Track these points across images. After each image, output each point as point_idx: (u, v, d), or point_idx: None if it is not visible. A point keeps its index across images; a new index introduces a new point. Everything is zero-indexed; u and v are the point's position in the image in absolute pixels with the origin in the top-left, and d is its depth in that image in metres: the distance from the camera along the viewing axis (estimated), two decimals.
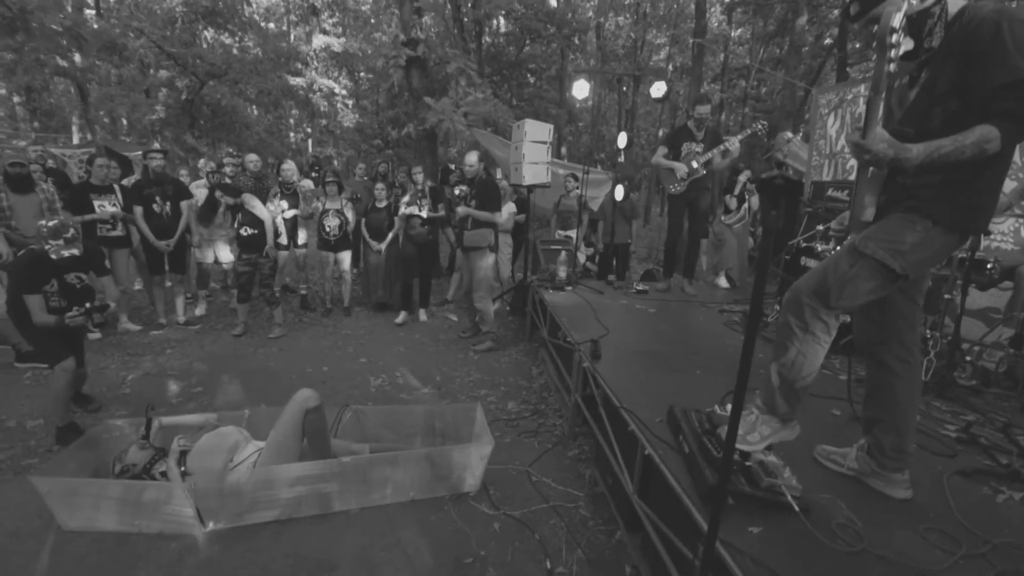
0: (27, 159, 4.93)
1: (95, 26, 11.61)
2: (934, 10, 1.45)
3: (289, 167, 5.82)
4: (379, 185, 5.85)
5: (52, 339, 3.01)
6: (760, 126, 4.50)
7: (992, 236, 3.43)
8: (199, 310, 5.54)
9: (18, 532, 2.27)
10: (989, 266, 2.80)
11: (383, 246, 5.77)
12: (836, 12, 13.50)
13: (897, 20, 1.26)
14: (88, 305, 3.04)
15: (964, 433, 2.22)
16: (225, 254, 5.54)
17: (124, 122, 17.90)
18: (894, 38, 1.27)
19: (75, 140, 14.79)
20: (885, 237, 1.56)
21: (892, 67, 1.32)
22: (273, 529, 2.37)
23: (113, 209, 4.60)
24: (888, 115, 1.62)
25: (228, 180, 5.55)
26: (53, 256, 3.02)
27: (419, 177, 6.06)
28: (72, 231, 3.09)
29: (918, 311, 1.78)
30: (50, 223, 3.05)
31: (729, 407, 2.34)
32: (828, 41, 15.17)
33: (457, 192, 5.62)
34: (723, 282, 5.80)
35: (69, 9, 9.60)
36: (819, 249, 3.49)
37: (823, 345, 1.66)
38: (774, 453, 1.78)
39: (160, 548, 2.22)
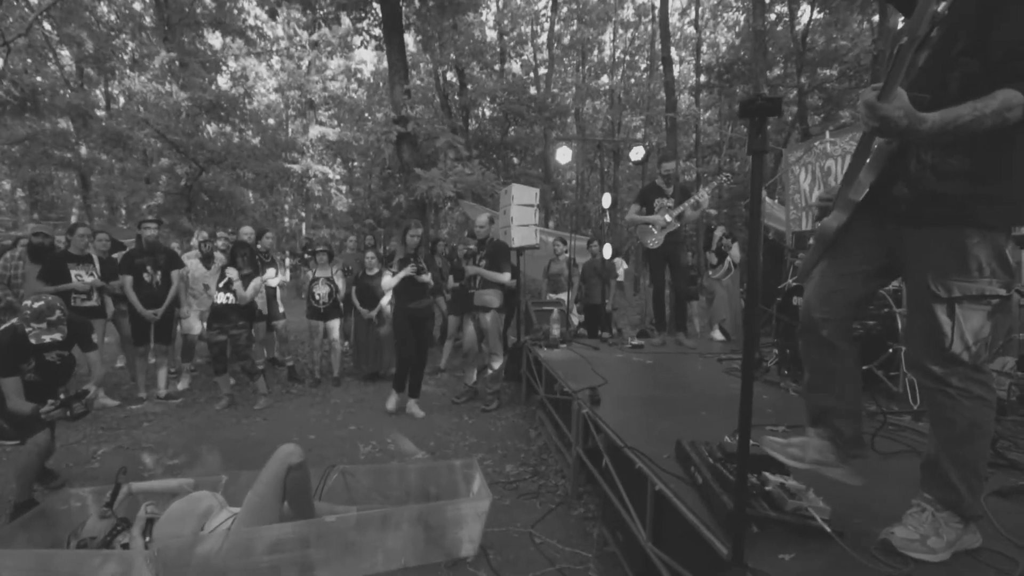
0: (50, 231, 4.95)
1: (103, 123, 12.29)
2: None
3: (269, 237, 5.92)
4: (369, 254, 5.91)
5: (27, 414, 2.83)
6: (724, 177, 4.71)
7: None
8: (182, 384, 5.32)
9: None
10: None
11: (374, 314, 5.71)
12: (794, 92, 14.71)
13: None
14: (62, 397, 2.86)
15: (992, 453, 2.09)
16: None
17: (123, 211, 18.39)
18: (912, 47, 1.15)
19: None
20: (956, 269, 1.35)
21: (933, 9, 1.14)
22: None
23: (91, 279, 4.53)
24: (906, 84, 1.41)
25: (222, 251, 5.59)
26: (33, 341, 2.88)
27: (415, 240, 4.68)
28: (58, 313, 2.95)
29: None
30: (35, 304, 2.93)
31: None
32: (789, 118, 16.37)
33: (463, 251, 5.69)
34: (718, 335, 5.75)
35: (70, 90, 10.15)
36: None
37: (991, 405, 1.40)
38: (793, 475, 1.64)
39: None
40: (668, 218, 4.56)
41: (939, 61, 1.35)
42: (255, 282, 4.82)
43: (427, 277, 4.52)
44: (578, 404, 2.96)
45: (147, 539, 2.15)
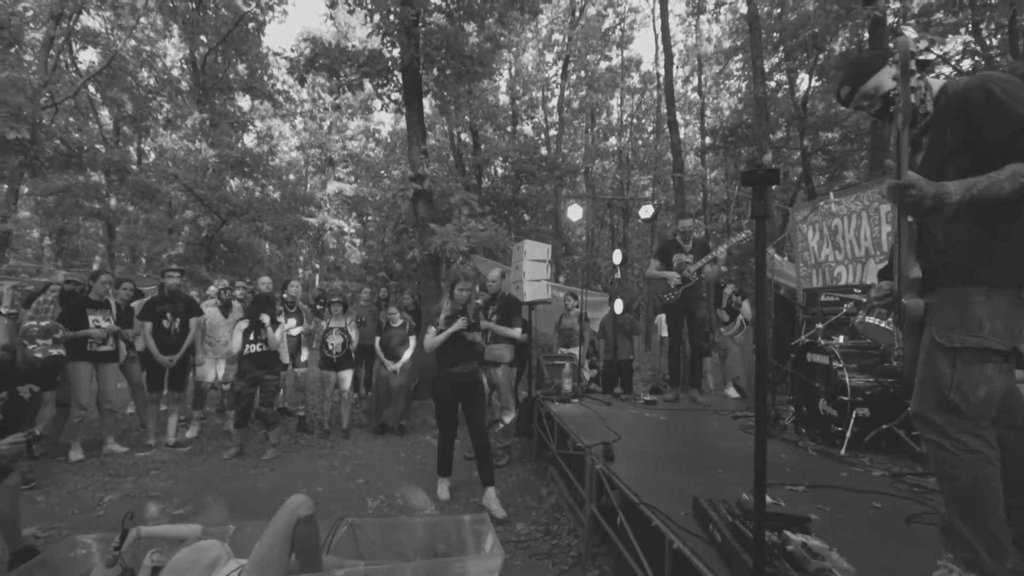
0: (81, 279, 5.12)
1: (132, 177, 12.95)
2: (919, 84, 1.56)
3: (295, 286, 6.02)
4: (392, 308, 6.02)
5: None
6: (745, 234, 4.80)
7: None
8: (191, 432, 5.30)
9: None
10: None
11: (399, 366, 5.71)
12: (797, 153, 15.18)
13: (914, 45, 1.41)
14: (32, 432, 2.85)
15: None
16: (229, 372, 5.48)
17: (143, 260, 18.96)
18: (913, 64, 1.39)
19: None
20: (959, 322, 1.47)
21: (913, 98, 1.41)
22: None
23: (107, 325, 4.63)
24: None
25: (239, 300, 5.72)
26: (39, 355, 2.96)
27: (463, 295, 3.87)
28: (61, 332, 3.09)
29: (1014, 377, 1.62)
30: (42, 323, 3.06)
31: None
32: (795, 178, 16.79)
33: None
34: (732, 392, 5.68)
35: (107, 146, 10.78)
36: (821, 343, 3.50)
37: (994, 463, 1.45)
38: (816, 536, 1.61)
39: None
40: (687, 272, 4.63)
41: (934, 159, 1.58)
42: (279, 330, 4.91)
43: (478, 336, 3.94)
44: (591, 459, 2.92)
45: None
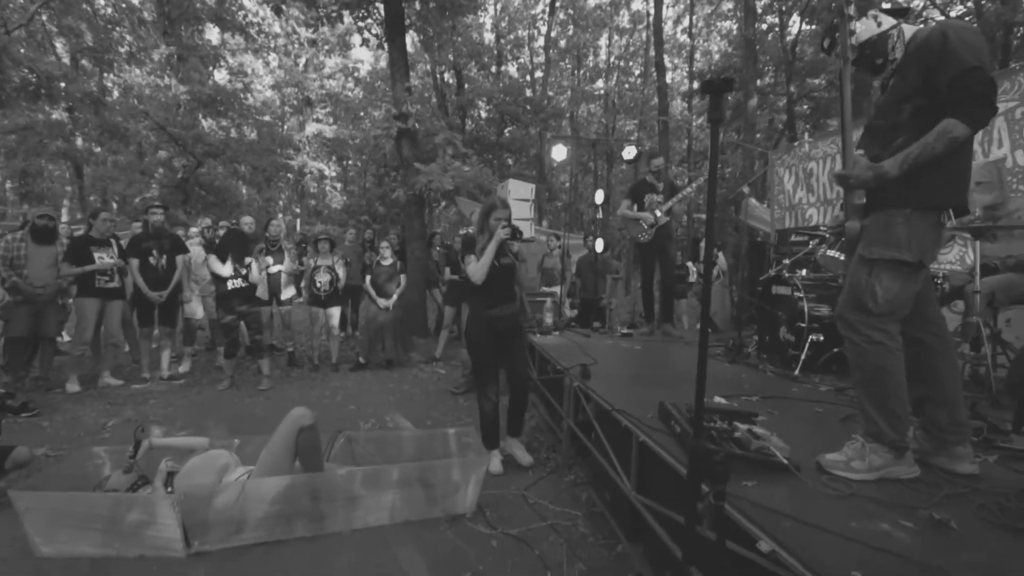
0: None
1: (97, 115, 12.36)
2: (892, 32, 1.77)
3: (277, 224, 6.02)
4: (384, 243, 6.08)
5: None
6: (703, 178, 4.98)
7: (941, 265, 3.73)
8: (183, 367, 5.45)
9: None
10: (938, 281, 3.06)
11: (390, 303, 5.85)
12: (783, 100, 15.09)
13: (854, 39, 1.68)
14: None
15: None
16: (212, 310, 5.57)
17: (114, 204, 18.39)
18: (851, 9, 1.64)
19: (64, 219, 15.04)
20: (881, 239, 1.70)
21: (852, 40, 1.68)
22: (261, 551, 2.27)
23: (112, 260, 4.70)
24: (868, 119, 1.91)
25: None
26: None
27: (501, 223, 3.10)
28: None
29: (931, 288, 1.89)
30: None
31: (717, 398, 2.45)
32: (779, 126, 16.77)
33: (459, 244, 5.72)
34: None
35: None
36: (785, 276, 3.75)
37: (895, 353, 1.68)
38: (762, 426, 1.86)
39: (139, 572, 2.11)
40: (659, 213, 4.79)
41: (894, 97, 1.76)
42: (255, 267, 4.97)
43: (517, 247, 3.33)
44: (569, 379, 3.17)
45: (168, 490, 2.32)
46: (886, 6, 1.83)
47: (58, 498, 2.17)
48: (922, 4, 12.31)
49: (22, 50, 10.70)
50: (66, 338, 5.87)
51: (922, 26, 1.77)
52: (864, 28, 1.79)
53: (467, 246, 3.17)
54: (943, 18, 12.01)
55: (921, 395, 1.80)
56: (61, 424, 3.82)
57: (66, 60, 16.24)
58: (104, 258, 4.66)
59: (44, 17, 13.88)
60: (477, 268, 3.05)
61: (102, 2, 15.50)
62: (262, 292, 5.61)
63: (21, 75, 8.84)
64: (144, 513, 2.17)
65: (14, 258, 4.48)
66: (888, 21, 1.78)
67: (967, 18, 12.35)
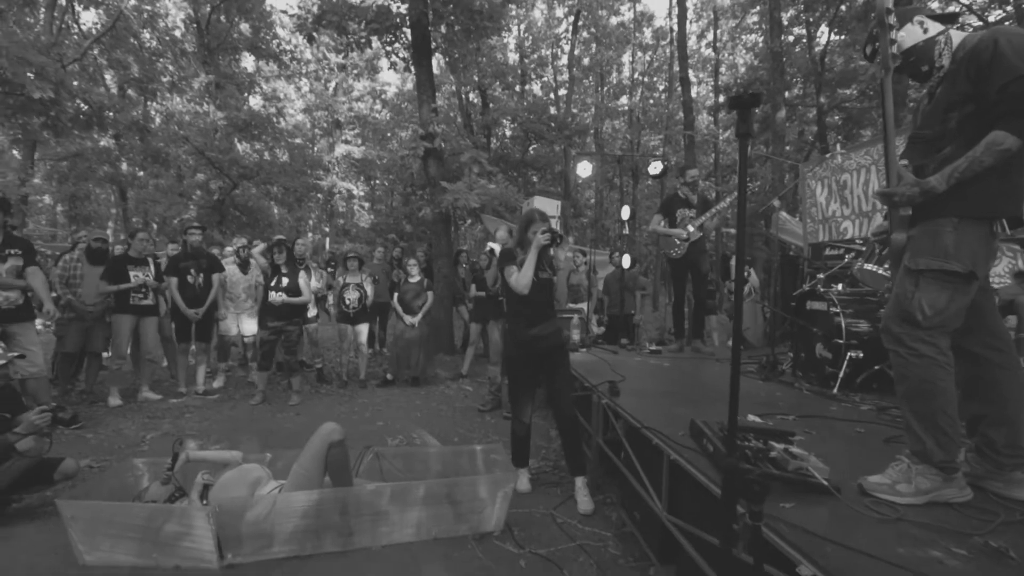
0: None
1: (139, 141, 13.02)
2: (939, 38, 1.71)
3: (303, 242, 6.19)
4: (411, 261, 6.20)
5: None
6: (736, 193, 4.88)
7: (990, 278, 3.57)
8: (218, 382, 5.61)
9: (34, 567, 2.22)
10: None
11: (416, 320, 5.92)
12: (812, 111, 14.83)
13: (891, 3, 1.63)
14: (53, 405, 2.92)
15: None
16: (248, 327, 5.74)
17: (155, 225, 19.23)
18: (892, 19, 1.62)
19: (109, 239, 15.80)
20: (928, 249, 1.64)
21: (894, 48, 1.66)
22: (292, 565, 2.30)
23: (147, 278, 4.90)
24: (913, 128, 1.86)
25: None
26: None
27: (543, 237, 2.91)
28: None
29: (992, 301, 1.81)
30: None
31: (751, 416, 2.38)
32: (810, 137, 16.45)
33: (484, 261, 5.71)
34: None
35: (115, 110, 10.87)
36: (820, 291, 3.64)
37: (944, 368, 1.61)
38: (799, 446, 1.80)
39: None
40: (691, 228, 4.73)
41: (941, 106, 1.70)
42: (303, 280, 5.13)
43: (568, 254, 3.23)
44: (598, 396, 3.13)
45: (204, 502, 2.37)
46: (934, 10, 1.79)
47: (101, 507, 2.24)
48: (959, 8, 12.00)
49: (76, 83, 11.42)
50: (108, 354, 6.13)
51: (972, 32, 1.72)
52: (909, 34, 1.73)
53: (506, 258, 3.02)
54: (981, 23, 11.69)
55: (976, 414, 1.71)
56: (104, 436, 3.97)
57: (114, 90, 17.27)
58: (139, 276, 4.85)
59: (96, 51, 14.83)
60: (520, 278, 2.88)
61: (147, 35, 16.47)
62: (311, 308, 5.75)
63: (75, 106, 9.43)
64: (181, 524, 2.22)
65: (70, 277, 4.74)
66: (935, 27, 1.72)
67: (1007, 22, 11.98)
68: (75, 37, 14.60)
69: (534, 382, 3.13)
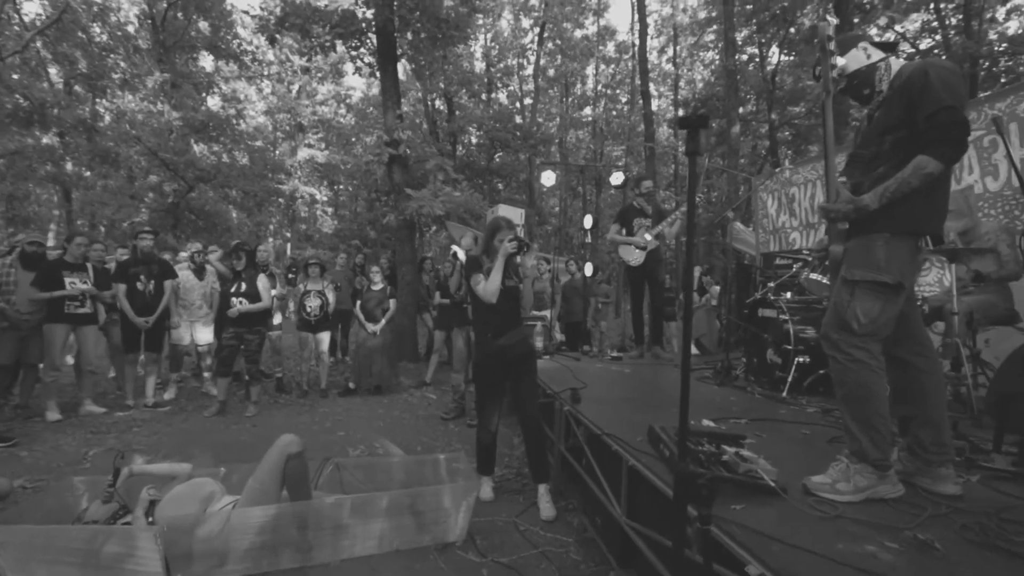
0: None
1: (88, 140, 12.40)
2: (880, 65, 1.85)
3: (266, 249, 6.04)
4: (375, 268, 6.12)
5: None
6: (697, 199, 5.09)
7: (920, 287, 3.83)
8: (168, 394, 5.36)
9: None
10: (919, 303, 3.13)
11: (378, 328, 5.83)
12: (765, 127, 15.53)
13: (831, 30, 1.76)
14: None
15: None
16: (203, 335, 5.52)
17: (102, 229, 18.29)
18: (832, 46, 1.73)
19: (51, 243, 14.90)
20: (862, 262, 1.77)
21: (834, 73, 1.76)
22: None
23: (84, 286, 4.62)
24: (853, 147, 2.01)
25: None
26: None
27: (509, 245, 2.95)
28: None
29: (917, 311, 1.95)
30: None
31: (705, 421, 2.47)
32: (763, 152, 17.22)
33: (447, 269, 5.69)
34: (694, 349, 6.03)
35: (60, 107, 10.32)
36: (771, 299, 3.81)
37: (877, 372, 1.73)
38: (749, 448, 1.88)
39: None
40: (648, 237, 4.87)
41: (877, 128, 1.85)
42: (263, 285, 4.97)
43: (533, 262, 3.22)
44: (560, 403, 3.17)
45: (150, 520, 2.26)
46: (874, 39, 1.93)
47: (34, 532, 2.11)
48: (894, 37, 12.87)
49: (15, 76, 10.79)
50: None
51: (907, 62, 1.85)
52: (853, 59, 1.85)
53: (472, 266, 2.99)
54: (913, 50, 12.56)
55: (907, 416, 1.84)
56: (41, 454, 3.72)
57: (59, 86, 16.38)
58: (76, 283, 4.57)
59: (39, 44, 14.05)
60: (487, 287, 2.86)
61: (97, 30, 15.73)
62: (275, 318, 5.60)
63: (14, 101, 8.89)
64: (124, 545, 2.11)
65: (3, 284, 4.44)
66: (877, 54, 1.85)
67: (935, 51, 12.92)
68: (16, 28, 13.81)
69: (502, 390, 3.12)
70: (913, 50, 12.14)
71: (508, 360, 2.97)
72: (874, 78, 1.86)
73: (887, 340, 1.81)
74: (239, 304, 4.81)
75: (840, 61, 1.84)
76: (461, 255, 4.89)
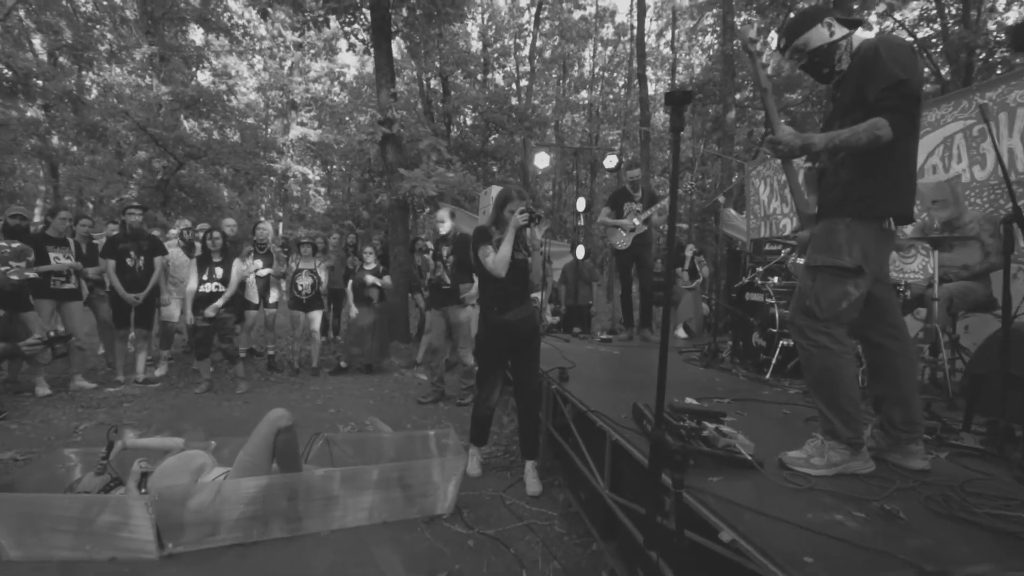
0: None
1: (73, 114, 12.12)
2: (841, 43, 1.80)
3: (265, 227, 6.00)
4: (368, 248, 6.11)
5: None
6: (689, 186, 5.11)
7: (904, 273, 3.90)
8: (159, 370, 5.37)
9: None
10: (901, 289, 3.20)
11: (368, 307, 5.86)
12: (761, 113, 15.45)
13: (753, 32, 1.79)
14: (51, 334, 2.96)
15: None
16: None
17: (90, 205, 18.01)
18: (757, 47, 1.76)
19: (37, 218, 14.68)
20: (823, 246, 1.79)
21: (768, 70, 1.78)
22: (237, 552, 2.27)
23: (68, 261, 4.60)
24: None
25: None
26: (14, 277, 2.97)
27: (520, 217, 2.86)
28: (32, 255, 3.08)
29: (892, 295, 1.97)
30: (13, 245, 3.04)
31: (688, 399, 2.52)
32: (758, 139, 17.18)
33: (421, 247, 5.70)
34: (681, 333, 6.11)
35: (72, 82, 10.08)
36: (758, 283, 3.87)
37: (841, 356, 1.75)
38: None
39: (110, 575, 2.09)
40: (636, 221, 4.90)
41: (837, 111, 1.85)
42: (236, 270, 4.94)
43: (541, 234, 3.19)
44: (548, 381, 3.22)
45: (142, 491, 2.30)
46: (839, 14, 1.88)
47: (27, 500, 2.14)
48: (892, 26, 12.79)
49: None
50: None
51: (868, 39, 1.82)
52: (816, 35, 1.81)
53: (480, 237, 2.86)
54: (911, 40, 12.50)
55: (880, 395, 1.89)
56: (31, 428, 3.74)
57: (44, 57, 15.95)
58: (60, 258, 4.54)
59: (22, 12, 13.64)
60: (497, 260, 2.76)
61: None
62: (252, 295, 5.60)
63: None
64: (116, 514, 2.15)
65: None
66: (840, 31, 1.81)
67: (933, 40, 12.86)
68: None
69: (504, 366, 3.09)
70: (911, 39, 12.09)
71: (514, 336, 2.92)
72: (834, 56, 1.81)
73: (860, 323, 1.84)
74: (211, 312, 4.76)
75: (807, 36, 1.82)
76: (443, 231, 4.79)
